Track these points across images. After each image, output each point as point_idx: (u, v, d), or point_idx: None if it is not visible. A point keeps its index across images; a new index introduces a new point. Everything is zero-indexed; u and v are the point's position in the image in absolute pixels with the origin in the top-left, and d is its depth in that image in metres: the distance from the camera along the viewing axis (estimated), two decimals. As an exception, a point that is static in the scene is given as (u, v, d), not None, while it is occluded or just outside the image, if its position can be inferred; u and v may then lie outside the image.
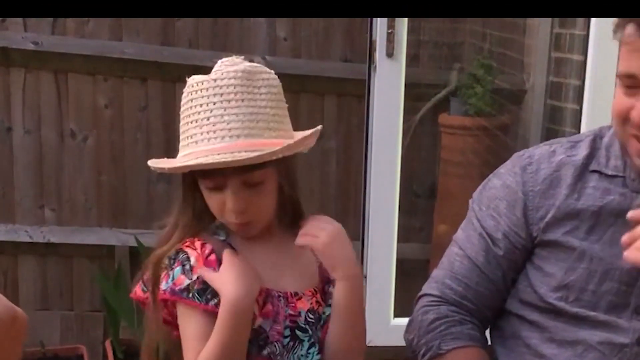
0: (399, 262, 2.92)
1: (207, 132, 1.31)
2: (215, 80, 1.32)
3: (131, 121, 3.26)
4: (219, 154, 1.29)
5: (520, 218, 1.56)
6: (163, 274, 1.37)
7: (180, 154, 1.37)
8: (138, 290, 1.44)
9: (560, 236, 1.52)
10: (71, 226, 3.29)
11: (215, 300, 1.33)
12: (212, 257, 1.36)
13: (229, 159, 1.28)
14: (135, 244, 3.12)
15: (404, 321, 2.86)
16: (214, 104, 1.31)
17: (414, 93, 3.26)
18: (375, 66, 2.76)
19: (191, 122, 1.34)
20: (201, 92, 1.33)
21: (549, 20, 3.40)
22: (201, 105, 1.32)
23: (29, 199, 3.26)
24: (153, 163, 1.38)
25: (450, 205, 3.44)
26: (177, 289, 1.34)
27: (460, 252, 1.63)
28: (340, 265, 1.40)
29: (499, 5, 2.56)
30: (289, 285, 1.42)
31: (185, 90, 1.36)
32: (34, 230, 3.26)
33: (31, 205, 3.26)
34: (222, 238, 1.42)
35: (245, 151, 1.29)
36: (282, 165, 1.37)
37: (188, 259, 1.35)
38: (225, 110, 1.31)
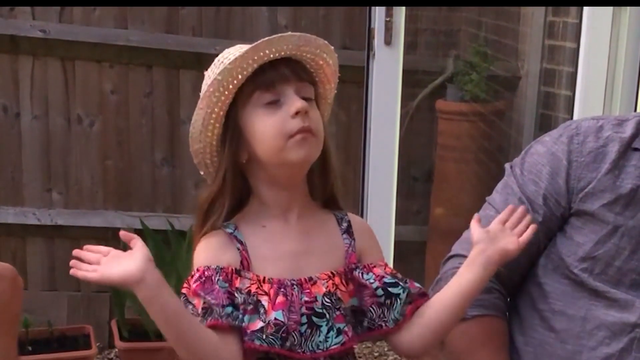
0: (397, 244, 2.96)
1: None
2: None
3: (136, 107, 3.32)
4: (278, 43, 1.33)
5: (562, 186, 1.56)
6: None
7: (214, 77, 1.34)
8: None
9: (597, 208, 1.53)
10: (78, 209, 3.34)
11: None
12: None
13: (296, 36, 1.33)
14: (140, 227, 3.17)
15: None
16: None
17: (412, 80, 3.29)
18: (374, 53, 2.79)
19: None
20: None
21: (542, 8, 3.43)
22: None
23: (37, 182, 3.31)
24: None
25: (447, 189, 3.48)
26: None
27: (497, 215, 1.59)
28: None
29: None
30: (307, 270, 1.38)
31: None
32: (42, 213, 3.31)
33: (39, 189, 3.32)
34: (230, 230, 1.37)
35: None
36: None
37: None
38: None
